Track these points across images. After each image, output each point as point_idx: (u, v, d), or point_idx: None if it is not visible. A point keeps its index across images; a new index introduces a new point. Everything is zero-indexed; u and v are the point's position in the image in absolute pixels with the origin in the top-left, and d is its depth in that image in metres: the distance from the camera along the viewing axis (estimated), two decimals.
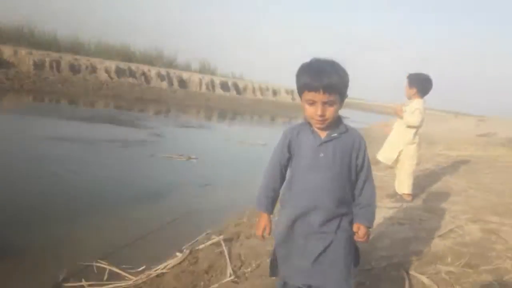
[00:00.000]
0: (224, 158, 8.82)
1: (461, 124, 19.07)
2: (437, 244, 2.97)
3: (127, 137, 9.02)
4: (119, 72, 21.28)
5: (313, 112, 1.67)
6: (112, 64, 21.07)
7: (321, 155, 1.72)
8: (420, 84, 4.01)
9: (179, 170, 6.72)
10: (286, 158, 1.81)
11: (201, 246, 3.24)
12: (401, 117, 4.06)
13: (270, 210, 1.85)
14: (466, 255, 2.76)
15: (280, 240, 1.81)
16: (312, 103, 1.65)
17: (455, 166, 6.32)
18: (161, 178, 6.08)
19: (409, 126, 4.01)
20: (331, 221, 1.73)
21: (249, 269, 2.80)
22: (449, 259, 2.72)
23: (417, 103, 3.96)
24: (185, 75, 25.84)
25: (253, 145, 10.53)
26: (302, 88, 1.68)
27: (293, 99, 36.54)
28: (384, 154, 4.28)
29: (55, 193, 4.73)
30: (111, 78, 20.58)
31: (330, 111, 1.66)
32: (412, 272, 2.54)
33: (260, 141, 10.80)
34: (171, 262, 3.01)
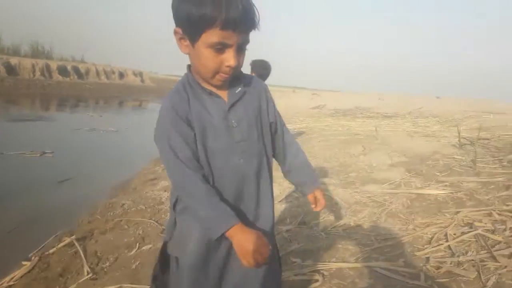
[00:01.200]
0: (79, 149, 8.16)
1: (298, 98, 21.31)
2: (278, 209, 3.42)
3: None
4: None
5: (221, 62, 1.13)
6: None
7: (234, 125, 1.23)
8: (259, 69, 4.45)
9: (32, 168, 6.07)
10: (192, 139, 1.19)
11: (51, 250, 3.06)
12: None
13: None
14: (301, 214, 3.27)
15: (197, 261, 1.25)
16: (221, 48, 1.11)
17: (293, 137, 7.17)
18: (10, 178, 5.42)
19: None
20: None
21: (107, 264, 2.78)
22: (287, 220, 3.18)
23: None
24: (13, 60, 22.45)
25: (107, 131, 10.16)
26: (201, 24, 1.07)
27: (142, 81, 35.26)
28: None
29: None
30: None
31: (242, 58, 1.19)
32: None
33: (112, 128, 10.49)
34: (18, 272, 2.78)
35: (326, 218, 3.18)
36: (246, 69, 4.39)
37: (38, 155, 6.77)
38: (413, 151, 5.15)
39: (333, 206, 3.41)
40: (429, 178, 3.90)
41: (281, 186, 4.05)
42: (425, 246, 2.46)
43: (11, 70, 21.76)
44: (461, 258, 2.22)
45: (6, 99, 16.70)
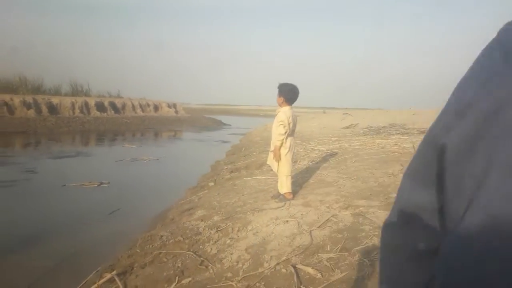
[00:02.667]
0: (129, 178, 8.84)
1: (329, 119, 21.14)
2: (317, 235, 3.32)
3: None
4: None
5: None
6: None
7: None
8: (287, 93, 4.43)
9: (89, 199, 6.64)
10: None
11: (93, 287, 3.09)
12: (276, 153, 4.44)
13: None
14: (342, 240, 3.15)
15: None
16: None
17: (327, 159, 7.05)
18: (70, 209, 5.93)
19: (281, 139, 4.43)
20: None
21: None
22: (328, 247, 3.07)
23: (283, 112, 4.39)
24: (54, 100, 23.70)
25: (148, 160, 11.06)
26: None
27: (176, 112, 36.19)
28: (269, 160, 4.67)
29: None
30: None
31: None
32: (299, 266, 2.81)
33: (152, 157, 11.35)
34: None
35: (369, 243, 3.04)
36: (273, 92, 4.40)
37: (96, 185, 7.33)
38: None
39: (375, 230, 3.27)
40: None
41: (319, 210, 3.95)
42: None
43: (52, 109, 22.95)
44: None
45: (49, 137, 17.55)
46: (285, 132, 4.38)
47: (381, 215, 3.55)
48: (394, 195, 3.68)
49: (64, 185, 7.25)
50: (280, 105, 4.50)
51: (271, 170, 6.15)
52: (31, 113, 21.15)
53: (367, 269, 2.55)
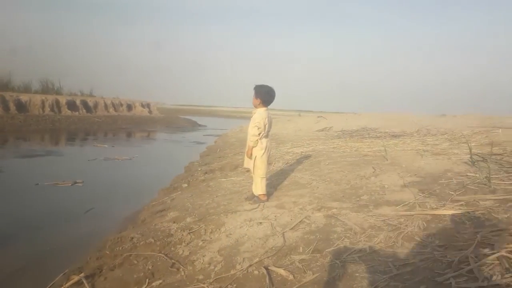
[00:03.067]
0: (102, 178, 8.80)
1: (304, 121, 21.32)
2: (290, 237, 3.32)
3: None
4: None
5: None
6: None
7: None
8: (264, 95, 4.43)
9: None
10: None
11: None
12: (250, 153, 4.44)
13: None
14: (314, 241, 3.16)
15: None
16: None
17: (301, 161, 7.10)
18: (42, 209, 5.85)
19: (254, 140, 4.42)
20: None
21: None
22: (300, 249, 3.08)
23: (259, 114, 4.40)
24: (23, 97, 22.91)
25: (121, 160, 11.11)
26: None
27: (150, 112, 35.62)
28: (246, 163, 4.64)
29: None
30: None
31: None
32: (271, 267, 2.80)
33: (125, 156, 11.46)
34: None
35: (340, 244, 3.07)
36: (249, 93, 4.40)
37: (70, 184, 7.30)
38: (425, 170, 5.05)
39: (346, 231, 3.31)
40: (444, 198, 3.78)
41: (292, 212, 3.96)
42: (446, 271, 2.35)
43: (21, 107, 22.18)
44: (485, 283, 2.11)
45: (17, 136, 16.94)
46: (260, 134, 4.38)
47: (352, 217, 3.60)
48: (366, 197, 3.74)
49: (38, 184, 7.16)
50: (256, 107, 4.50)
51: (246, 172, 6.15)
52: None
53: (339, 271, 2.57)
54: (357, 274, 2.50)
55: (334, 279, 2.47)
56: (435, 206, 3.59)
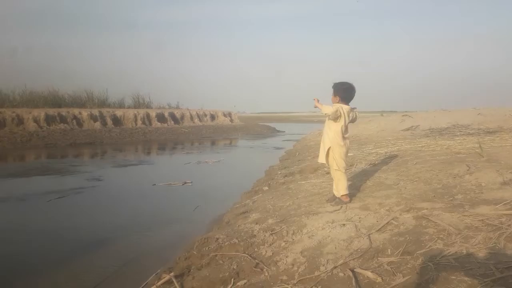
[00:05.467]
0: (203, 178, 10.12)
1: (387, 121, 20.34)
2: (377, 239, 3.16)
3: (62, 186, 8.63)
4: (49, 119, 20.37)
5: None
6: (40, 112, 20.11)
7: None
8: (342, 92, 4.27)
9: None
10: None
11: None
12: (318, 107, 4.27)
13: None
14: (403, 243, 2.97)
15: None
16: None
17: (385, 161, 6.75)
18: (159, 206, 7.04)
19: (326, 115, 4.23)
20: None
21: None
22: (389, 251, 2.91)
23: (338, 105, 4.22)
24: (118, 112, 25.18)
25: (212, 163, 12.72)
26: None
27: (231, 121, 36.86)
28: (319, 155, 4.49)
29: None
30: (41, 127, 19.63)
31: None
32: (357, 269, 2.68)
33: (214, 160, 13.23)
34: None
35: (433, 246, 2.84)
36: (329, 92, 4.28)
37: (180, 184, 8.48)
38: None
39: (439, 233, 3.06)
40: None
41: (378, 213, 3.77)
42: None
43: (116, 121, 24.37)
44: None
45: (114, 147, 18.61)
46: (337, 115, 4.18)
47: (445, 218, 3.31)
48: (460, 196, 3.42)
49: (155, 184, 8.47)
50: None
51: (326, 174, 6.01)
52: (97, 125, 22.61)
53: (432, 273, 2.37)
54: (453, 277, 2.28)
55: (427, 282, 2.29)
56: None
